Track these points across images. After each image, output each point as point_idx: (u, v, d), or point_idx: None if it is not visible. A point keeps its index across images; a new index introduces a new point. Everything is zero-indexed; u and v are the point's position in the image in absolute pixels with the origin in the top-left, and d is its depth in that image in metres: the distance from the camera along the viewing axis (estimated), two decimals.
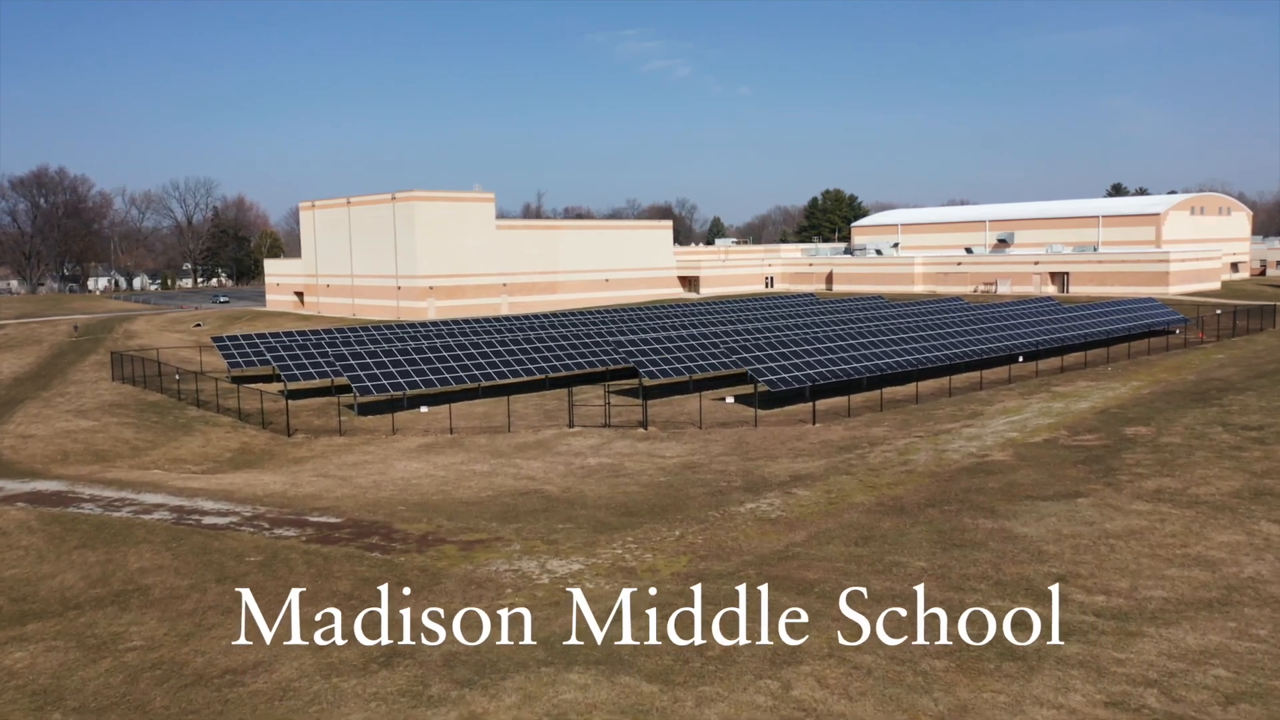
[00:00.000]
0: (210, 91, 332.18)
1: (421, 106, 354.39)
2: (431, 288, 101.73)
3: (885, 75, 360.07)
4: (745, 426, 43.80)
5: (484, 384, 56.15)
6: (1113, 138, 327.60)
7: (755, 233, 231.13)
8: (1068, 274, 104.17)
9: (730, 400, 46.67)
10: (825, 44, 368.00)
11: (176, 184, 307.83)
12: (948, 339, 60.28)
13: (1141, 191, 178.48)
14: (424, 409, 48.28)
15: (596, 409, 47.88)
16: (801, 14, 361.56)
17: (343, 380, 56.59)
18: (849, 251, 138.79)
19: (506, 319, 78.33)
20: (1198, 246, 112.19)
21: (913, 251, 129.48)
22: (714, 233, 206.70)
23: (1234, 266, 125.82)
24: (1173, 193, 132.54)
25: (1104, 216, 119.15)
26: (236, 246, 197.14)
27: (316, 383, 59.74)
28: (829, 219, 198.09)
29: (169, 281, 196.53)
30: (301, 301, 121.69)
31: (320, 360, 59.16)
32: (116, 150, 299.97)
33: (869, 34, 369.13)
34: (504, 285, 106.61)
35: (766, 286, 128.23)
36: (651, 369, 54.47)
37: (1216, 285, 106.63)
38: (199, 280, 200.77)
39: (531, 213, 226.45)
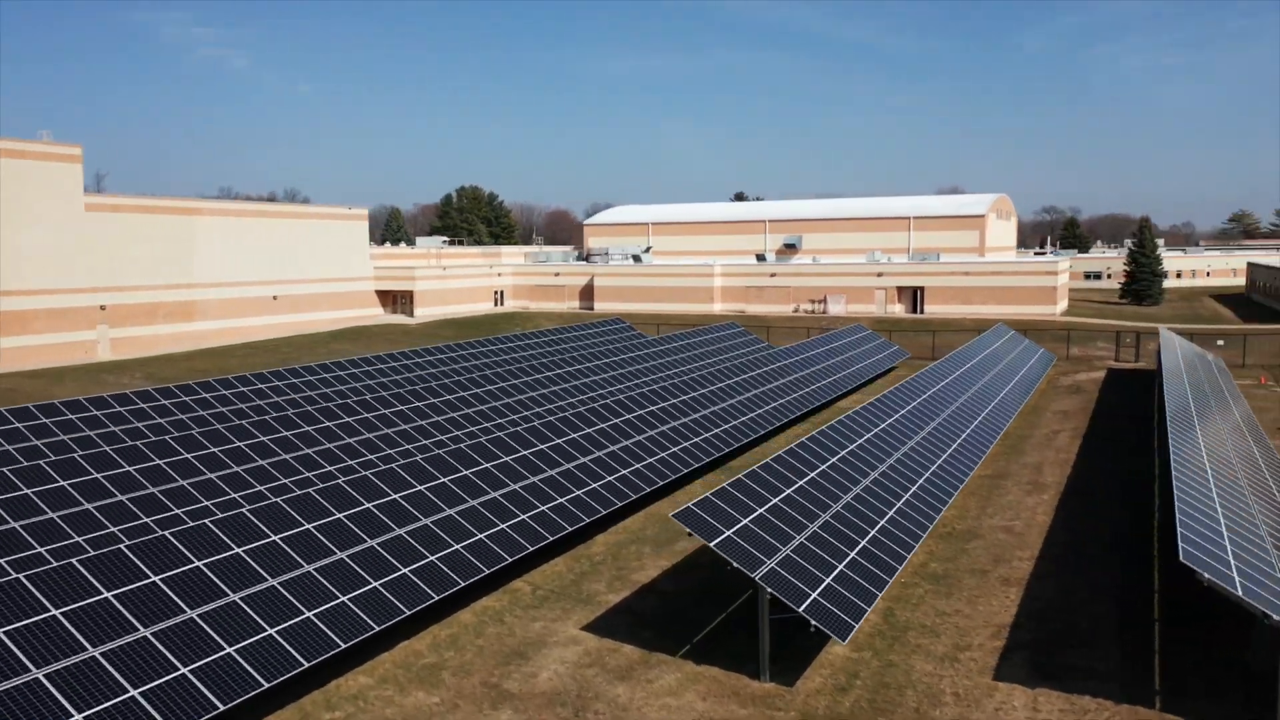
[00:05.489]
0: None
1: None
2: None
3: (478, 78, 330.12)
4: None
5: None
6: (733, 146, 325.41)
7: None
8: (922, 289, 79.71)
9: None
10: (412, 42, 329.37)
11: None
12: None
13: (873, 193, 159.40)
14: None
15: None
16: (381, 11, 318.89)
17: None
18: (584, 258, 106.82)
19: (73, 404, 36.89)
20: (1040, 258, 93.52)
21: (671, 259, 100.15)
22: (391, 230, 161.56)
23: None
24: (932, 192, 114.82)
25: (915, 218, 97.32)
26: None
27: None
28: (466, 219, 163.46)
29: None
30: None
31: None
32: None
33: (456, 32, 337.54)
34: (102, 308, 61.66)
35: (496, 304, 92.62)
36: None
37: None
38: None
39: None
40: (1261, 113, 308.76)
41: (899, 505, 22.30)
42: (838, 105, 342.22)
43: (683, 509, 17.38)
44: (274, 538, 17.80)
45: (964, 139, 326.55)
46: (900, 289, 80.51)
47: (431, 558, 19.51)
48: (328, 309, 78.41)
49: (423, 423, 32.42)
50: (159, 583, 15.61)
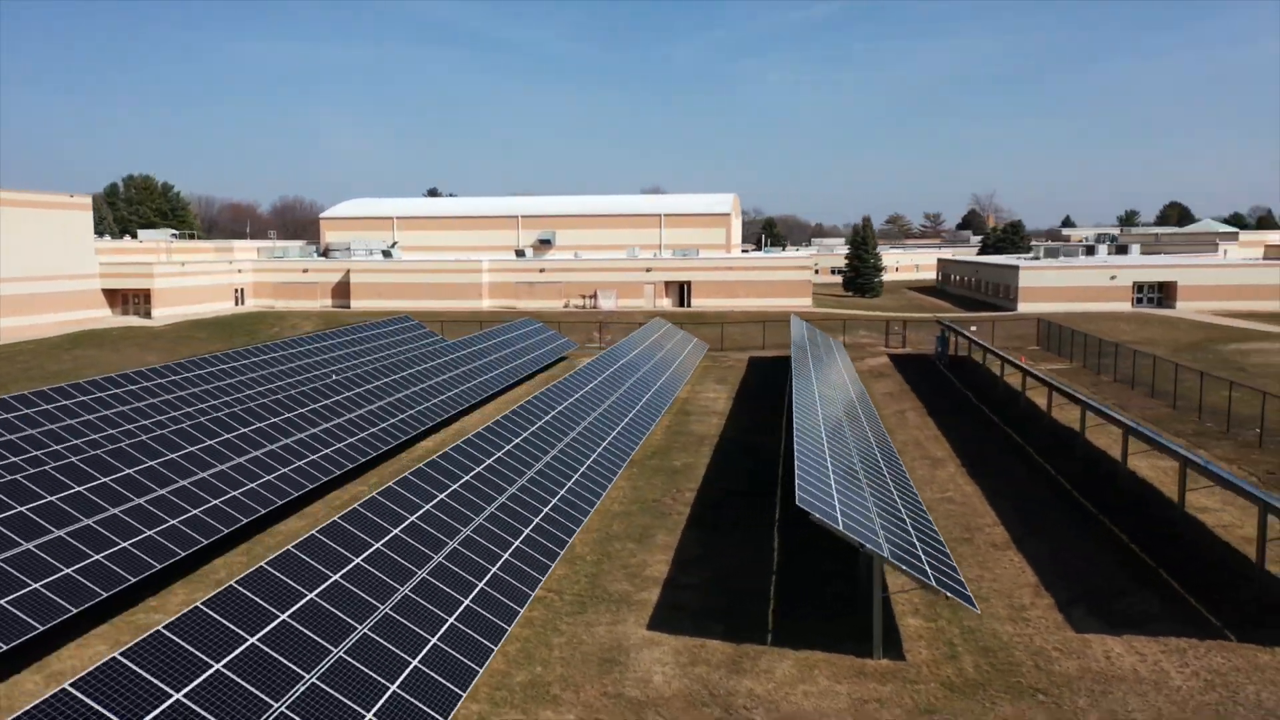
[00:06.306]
0: None
1: None
2: None
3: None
4: None
5: None
6: (435, 148, 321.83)
7: None
8: (689, 283, 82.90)
9: None
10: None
11: None
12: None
13: (657, 190, 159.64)
14: None
15: None
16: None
17: None
18: (323, 253, 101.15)
19: None
20: (796, 254, 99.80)
21: (420, 255, 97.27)
22: (96, 221, 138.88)
23: None
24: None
25: (666, 215, 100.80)
26: None
27: None
28: (137, 210, 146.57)
29: None
30: None
31: None
32: None
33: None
34: None
35: (237, 303, 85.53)
36: None
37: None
38: None
39: None
40: (901, 127, 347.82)
41: (890, 479, 23.42)
42: (509, 106, 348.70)
43: (801, 498, 17.28)
44: (357, 560, 15.79)
45: (637, 141, 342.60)
46: (668, 284, 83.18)
47: (494, 569, 18.12)
48: (49, 311, 68.79)
49: (334, 423, 29.58)
50: (289, 620, 13.42)
